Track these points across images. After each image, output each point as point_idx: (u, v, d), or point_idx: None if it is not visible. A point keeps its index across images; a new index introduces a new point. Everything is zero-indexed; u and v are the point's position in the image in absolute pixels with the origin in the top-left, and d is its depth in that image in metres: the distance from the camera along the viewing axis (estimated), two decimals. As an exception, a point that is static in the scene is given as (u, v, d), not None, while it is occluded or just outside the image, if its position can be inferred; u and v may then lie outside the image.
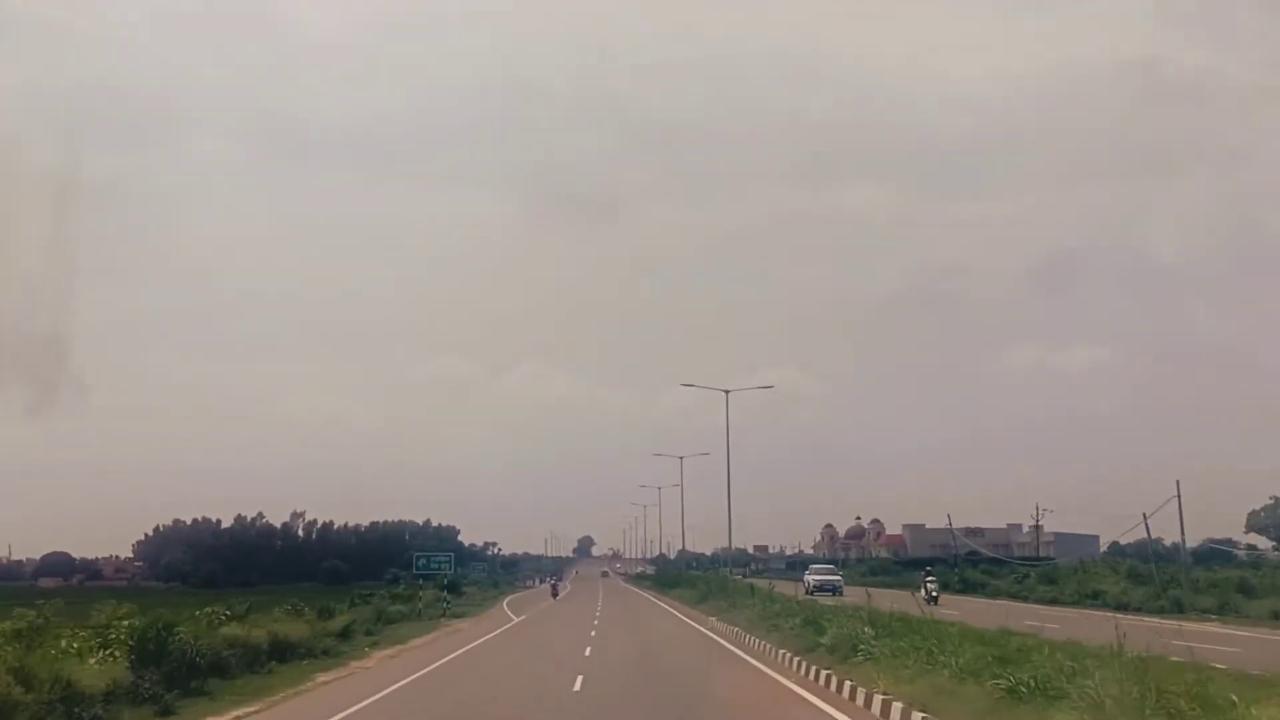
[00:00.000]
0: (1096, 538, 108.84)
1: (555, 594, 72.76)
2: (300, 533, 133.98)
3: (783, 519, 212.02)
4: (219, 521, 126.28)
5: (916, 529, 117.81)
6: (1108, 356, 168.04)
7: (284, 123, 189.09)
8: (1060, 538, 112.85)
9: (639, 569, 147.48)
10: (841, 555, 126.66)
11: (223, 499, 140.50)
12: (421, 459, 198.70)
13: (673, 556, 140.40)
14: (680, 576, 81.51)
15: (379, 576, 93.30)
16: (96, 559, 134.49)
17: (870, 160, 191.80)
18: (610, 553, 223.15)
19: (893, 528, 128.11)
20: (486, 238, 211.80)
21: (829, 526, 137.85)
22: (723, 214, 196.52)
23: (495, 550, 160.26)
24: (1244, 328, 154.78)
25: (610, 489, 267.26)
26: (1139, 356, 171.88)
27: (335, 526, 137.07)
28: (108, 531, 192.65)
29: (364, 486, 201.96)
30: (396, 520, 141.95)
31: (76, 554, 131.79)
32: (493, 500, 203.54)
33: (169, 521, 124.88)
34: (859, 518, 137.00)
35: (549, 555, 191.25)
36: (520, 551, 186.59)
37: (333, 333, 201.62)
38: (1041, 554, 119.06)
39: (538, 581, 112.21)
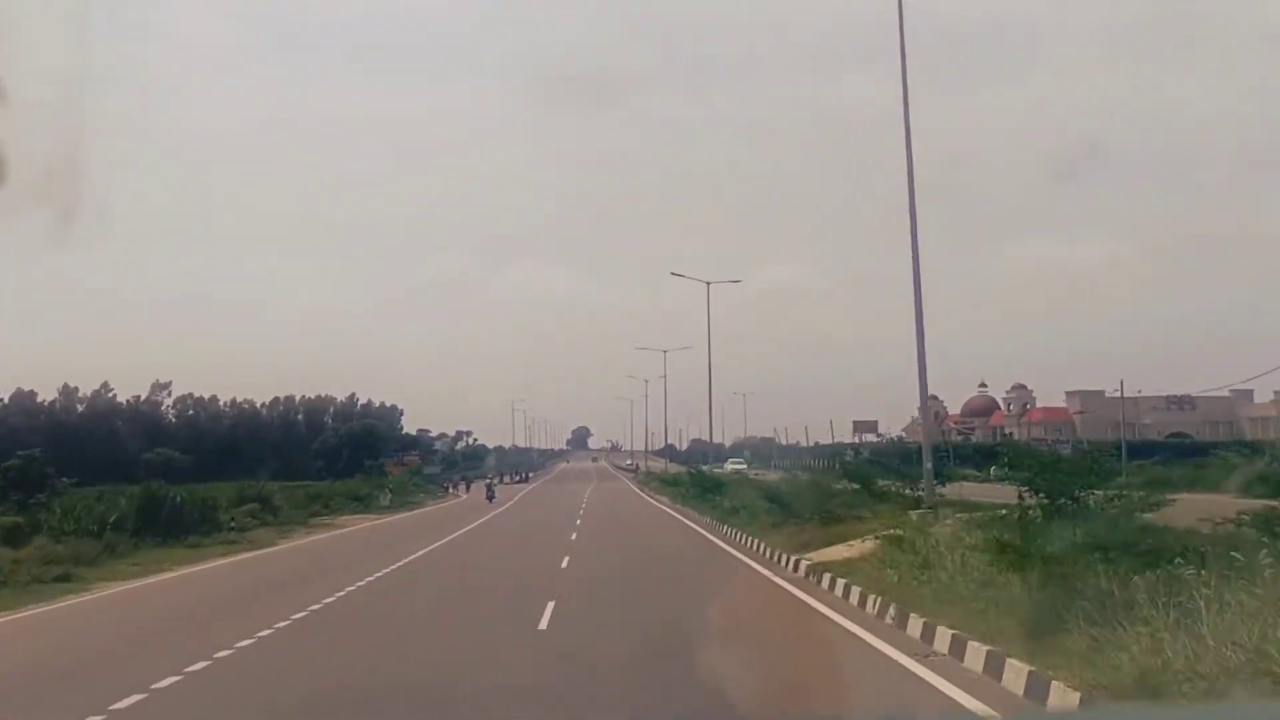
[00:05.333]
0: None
1: (491, 498, 55.10)
2: (168, 412, 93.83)
3: (885, 395, 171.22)
4: (33, 393, 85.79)
5: (1090, 398, 76.33)
6: None
7: (278, 9, 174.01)
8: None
9: (654, 463, 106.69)
10: (956, 439, 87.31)
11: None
12: (408, 355, 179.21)
13: (683, 447, 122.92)
14: None
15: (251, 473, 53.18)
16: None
17: (879, 48, 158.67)
18: (609, 444, 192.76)
19: (1050, 399, 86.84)
20: (483, 130, 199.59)
21: (934, 399, 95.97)
22: (726, 104, 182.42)
23: (470, 440, 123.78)
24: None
25: (610, 384, 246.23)
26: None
27: (221, 403, 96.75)
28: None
29: (325, 371, 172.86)
30: (314, 397, 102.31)
31: None
32: (480, 392, 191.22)
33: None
34: (983, 385, 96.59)
35: (537, 448, 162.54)
36: (509, 444, 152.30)
37: (320, 228, 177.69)
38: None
39: (463, 487, 71.31)
